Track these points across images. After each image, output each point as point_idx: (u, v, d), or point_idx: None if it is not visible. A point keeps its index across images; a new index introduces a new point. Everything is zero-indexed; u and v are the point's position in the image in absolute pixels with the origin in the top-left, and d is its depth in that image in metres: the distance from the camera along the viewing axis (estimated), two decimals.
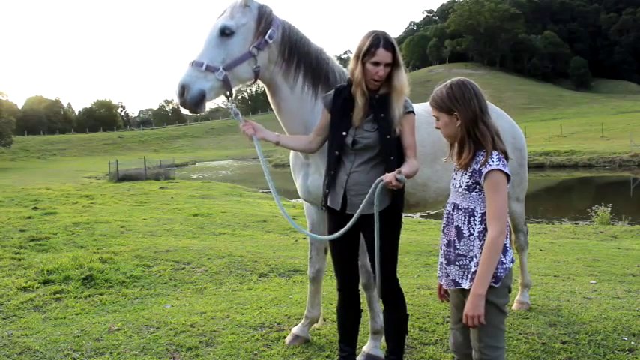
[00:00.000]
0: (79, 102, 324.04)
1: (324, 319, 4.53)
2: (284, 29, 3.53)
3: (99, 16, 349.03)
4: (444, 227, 2.74)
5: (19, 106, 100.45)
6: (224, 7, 3.48)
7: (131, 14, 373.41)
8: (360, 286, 3.62)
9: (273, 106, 3.72)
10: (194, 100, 3.27)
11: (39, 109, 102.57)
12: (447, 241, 2.70)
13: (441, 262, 2.74)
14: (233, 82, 3.38)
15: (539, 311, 4.77)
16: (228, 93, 3.39)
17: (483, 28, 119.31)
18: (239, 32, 3.36)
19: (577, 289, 5.60)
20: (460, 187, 2.66)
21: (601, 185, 26.59)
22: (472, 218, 2.61)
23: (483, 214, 2.58)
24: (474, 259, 2.58)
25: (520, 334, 4.23)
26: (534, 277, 6.04)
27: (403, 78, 3.16)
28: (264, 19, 3.44)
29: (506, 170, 2.53)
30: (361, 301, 3.56)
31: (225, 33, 3.33)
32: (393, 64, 3.13)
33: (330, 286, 5.36)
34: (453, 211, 2.69)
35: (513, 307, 4.84)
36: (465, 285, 2.60)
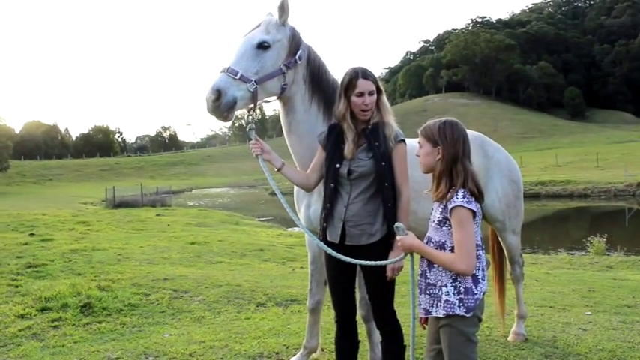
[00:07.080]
0: (76, 127, 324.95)
1: (322, 349, 4.55)
2: (309, 53, 3.68)
3: (97, 42, 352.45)
4: (420, 259, 2.90)
5: (17, 131, 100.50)
6: (257, 21, 3.61)
7: (129, 41, 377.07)
8: (359, 317, 3.66)
9: (283, 126, 3.80)
10: (228, 106, 3.34)
11: (36, 134, 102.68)
12: (420, 272, 2.88)
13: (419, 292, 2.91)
14: (260, 96, 3.47)
15: (535, 342, 4.79)
16: (252, 105, 3.48)
17: (479, 59, 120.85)
18: (274, 47, 3.49)
19: (572, 320, 5.62)
20: (434, 221, 2.85)
21: (596, 215, 26.67)
22: (442, 250, 2.78)
23: (452, 248, 2.75)
24: (444, 288, 2.74)
25: None
26: (530, 308, 6.06)
27: (386, 102, 3.37)
28: (295, 40, 3.59)
29: (471, 207, 2.70)
30: (359, 331, 3.59)
31: (262, 46, 3.44)
32: (378, 92, 3.28)
33: (328, 316, 5.36)
34: (427, 243, 2.88)
35: (509, 339, 4.87)
36: (438, 313, 2.75)
